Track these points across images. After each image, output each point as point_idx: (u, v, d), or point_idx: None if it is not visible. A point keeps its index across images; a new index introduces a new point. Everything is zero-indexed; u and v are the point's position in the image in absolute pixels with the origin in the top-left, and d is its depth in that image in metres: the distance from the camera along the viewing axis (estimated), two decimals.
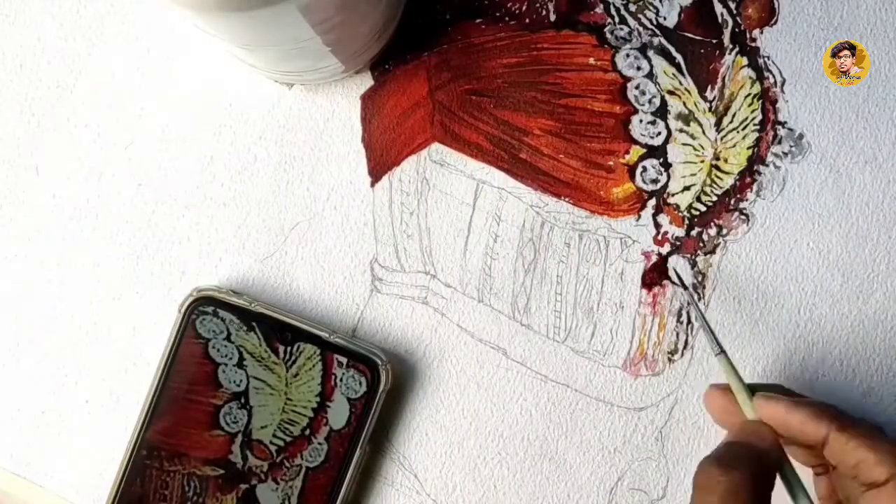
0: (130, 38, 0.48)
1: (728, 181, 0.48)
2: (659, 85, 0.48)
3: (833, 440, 0.38)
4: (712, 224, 0.48)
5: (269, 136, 0.48)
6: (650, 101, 0.48)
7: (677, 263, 0.48)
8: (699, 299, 0.48)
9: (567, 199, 0.48)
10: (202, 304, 0.46)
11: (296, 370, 0.46)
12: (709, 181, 0.48)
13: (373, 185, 0.48)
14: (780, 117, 0.48)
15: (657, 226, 0.48)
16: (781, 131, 0.48)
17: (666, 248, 0.48)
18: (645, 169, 0.48)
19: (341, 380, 0.46)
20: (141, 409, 0.46)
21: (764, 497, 0.37)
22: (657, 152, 0.48)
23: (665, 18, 0.48)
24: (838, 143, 0.48)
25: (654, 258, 0.48)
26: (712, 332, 0.43)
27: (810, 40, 0.48)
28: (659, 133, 0.48)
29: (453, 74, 0.48)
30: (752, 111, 0.48)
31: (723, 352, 0.42)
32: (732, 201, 0.48)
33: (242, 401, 0.46)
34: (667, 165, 0.48)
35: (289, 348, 0.46)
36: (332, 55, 0.43)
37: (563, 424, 0.48)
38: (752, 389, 0.41)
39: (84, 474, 0.48)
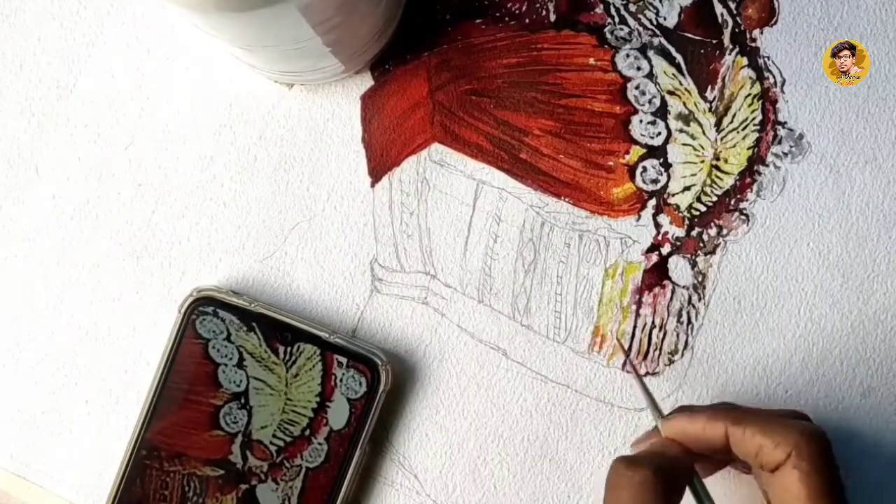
0: (130, 38, 0.48)
1: (728, 181, 0.48)
2: (659, 85, 0.48)
3: (732, 435, 0.39)
4: (712, 224, 0.48)
5: (269, 136, 0.48)
6: (650, 102, 0.48)
7: (677, 264, 0.48)
8: (700, 300, 0.48)
9: (567, 200, 0.48)
10: (202, 305, 0.46)
11: (296, 370, 0.46)
12: (709, 181, 0.48)
13: (373, 185, 0.48)
14: (781, 117, 0.48)
15: (657, 226, 0.48)
16: (781, 131, 0.48)
17: (666, 249, 0.48)
18: (645, 169, 0.48)
19: (341, 380, 0.46)
20: (141, 409, 0.46)
21: (672, 499, 0.38)
22: (657, 152, 0.48)
23: (665, 19, 0.48)
24: (838, 144, 0.48)
25: (654, 259, 0.48)
26: (650, 396, 0.44)
27: (810, 40, 0.48)
28: (659, 133, 0.48)
29: (453, 75, 0.48)
30: (753, 111, 0.48)
31: (652, 400, 0.43)
32: (732, 201, 0.48)
33: (242, 401, 0.46)
34: (667, 165, 0.48)
35: (289, 348, 0.46)
36: (332, 55, 0.43)
37: (564, 425, 0.48)
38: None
39: (84, 474, 0.48)
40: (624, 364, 0.47)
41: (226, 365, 0.46)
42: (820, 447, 0.37)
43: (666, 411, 0.43)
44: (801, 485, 0.37)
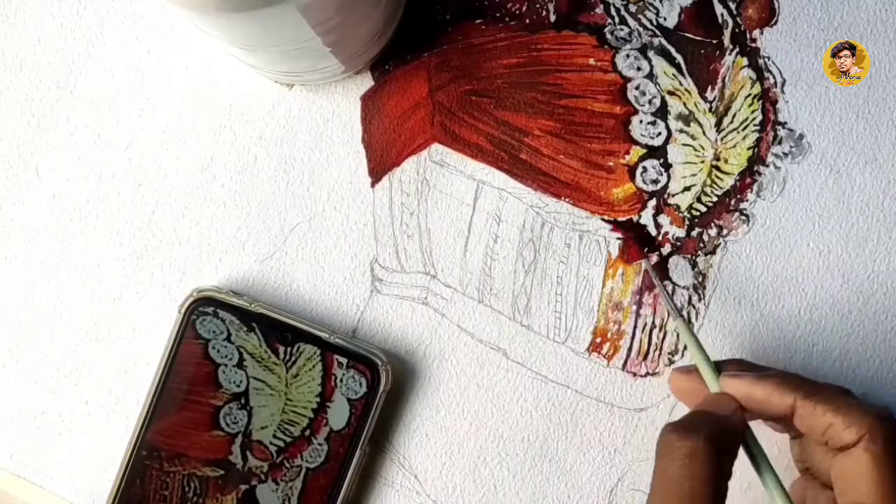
0: (130, 39, 0.48)
1: (728, 182, 0.48)
2: (659, 85, 0.48)
3: (800, 408, 0.38)
4: (713, 224, 0.48)
5: (269, 136, 0.48)
6: (650, 102, 0.48)
7: (677, 264, 0.48)
8: (700, 300, 0.48)
9: (567, 200, 0.48)
10: (202, 305, 0.46)
11: (296, 371, 0.46)
12: (709, 182, 0.48)
13: (373, 185, 0.48)
14: (781, 118, 0.48)
15: (657, 226, 0.48)
16: (782, 132, 0.48)
17: (667, 249, 0.48)
18: (645, 169, 0.48)
19: (341, 380, 0.46)
20: (141, 409, 0.46)
21: (724, 462, 0.37)
22: (657, 153, 0.48)
23: (665, 19, 0.48)
24: (838, 144, 0.48)
25: (654, 259, 0.48)
26: (671, 298, 0.42)
27: (810, 40, 0.48)
28: (659, 133, 0.48)
29: (453, 75, 0.48)
30: (753, 111, 0.48)
31: (681, 316, 0.41)
32: (733, 202, 0.48)
33: (242, 401, 0.46)
34: (667, 166, 0.48)
35: (289, 349, 0.46)
36: (332, 56, 0.43)
37: (564, 425, 0.48)
38: (717, 366, 0.42)
39: (84, 474, 0.48)
40: (622, 366, 0.47)
41: (226, 365, 0.46)
42: (893, 430, 0.37)
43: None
44: (874, 466, 0.36)
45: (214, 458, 0.46)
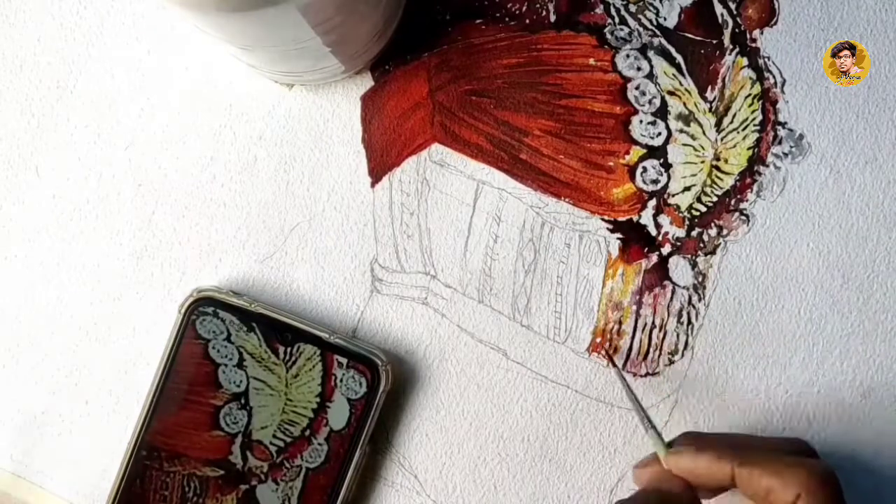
0: (130, 39, 0.48)
1: (728, 182, 0.48)
2: (659, 85, 0.48)
3: (738, 475, 0.39)
4: (713, 224, 0.48)
5: (269, 136, 0.48)
6: (650, 102, 0.48)
7: (677, 265, 0.48)
8: (700, 300, 0.48)
9: (567, 200, 0.48)
10: (202, 305, 0.46)
11: (296, 371, 0.46)
12: (709, 182, 0.48)
13: (373, 185, 0.48)
14: (781, 118, 0.48)
15: (657, 226, 0.48)
16: (782, 132, 0.48)
17: (667, 249, 0.48)
18: (645, 169, 0.48)
19: (341, 380, 0.46)
20: (141, 409, 0.46)
21: None
22: (657, 153, 0.48)
23: (665, 19, 0.48)
24: (838, 144, 0.48)
25: (654, 259, 0.48)
26: (643, 411, 0.43)
27: (810, 40, 0.48)
28: (659, 133, 0.48)
29: (453, 75, 0.48)
30: (753, 112, 0.48)
31: (653, 427, 0.42)
32: (733, 202, 0.48)
33: (242, 401, 0.46)
34: (667, 166, 0.48)
35: (289, 349, 0.46)
36: (332, 56, 0.43)
37: (564, 425, 0.48)
38: (669, 445, 0.42)
39: (84, 474, 0.48)
40: (621, 366, 0.48)
41: (226, 365, 0.46)
42: (830, 489, 0.37)
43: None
44: None
45: (214, 458, 0.46)
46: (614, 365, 0.47)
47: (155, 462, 0.46)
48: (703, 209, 0.48)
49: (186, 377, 0.46)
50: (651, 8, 0.48)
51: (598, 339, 0.48)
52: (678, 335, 0.48)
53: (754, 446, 0.41)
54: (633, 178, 0.48)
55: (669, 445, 0.41)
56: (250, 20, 0.35)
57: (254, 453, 0.46)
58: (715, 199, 0.48)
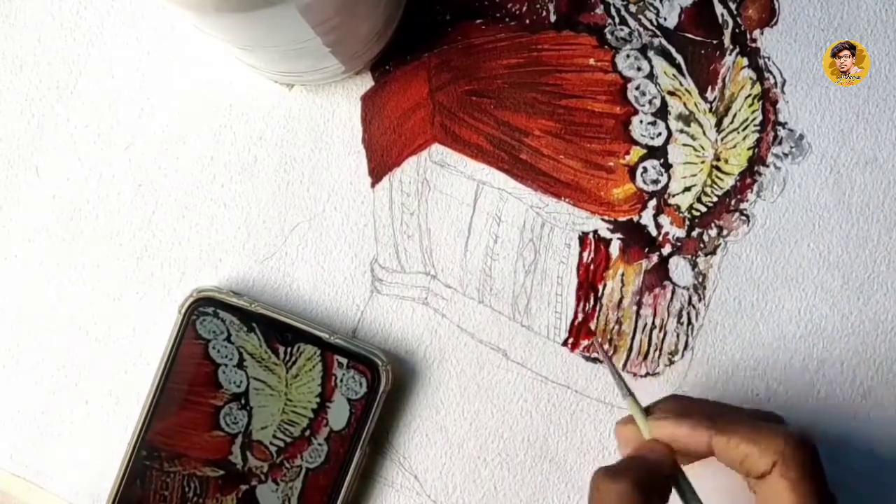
0: (130, 39, 0.48)
1: (728, 182, 0.48)
2: (659, 86, 0.48)
3: (716, 444, 0.39)
4: (713, 225, 0.48)
5: (269, 136, 0.48)
6: (650, 102, 0.48)
7: (678, 265, 0.48)
8: (700, 300, 0.48)
9: (567, 200, 0.48)
10: (202, 305, 0.46)
11: (296, 371, 0.46)
12: (709, 182, 0.48)
13: (373, 185, 0.48)
14: (781, 118, 0.48)
15: (658, 227, 0.48)
16: (782, 132, 0.48)
17: (667, 249, 0.48)
18: (645, 170, 0.48)
19: (341, 380, 0.46)
20: (141, 409, 0.46)
21: (654, 500, 0.38)
22: (657, 153, 0.48)
23: (665, 19, 0.48)
24: (839, 144, 0.48)
25: (654, 259, 0.48)
26: (619, 376, 0.43)
27: (810, 40, 0.48)
28: (659, 134, 0.48)
29: (453, 75, 0.48)
30: (753, 112, 0.48)
31: (631, 394, 0.42)
32: (733, 202, 0.48)
33: (242, 401, 0.46)
34: (667, 166, 0.48)
35: (289, 349, 0.46)
36: (332, 56, 0.43)
37: (564, 425, 0.48)
38: (648, 410, 0.42)
39: (84, 474, 0.48)
40: (621, 367, 0.48)
41: (226, 365, 0.46)
42: (806, 454, 0.37)
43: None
44: (790, 493, 0.37)
45: (214, 458, 0.46)
46: (591, 333, 0.47)
47: (155, 462, 0.46)
48: (704, 209, 0.48)
49: (186, 377, 0.46)
50: (651, 8, 0.48)
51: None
52: (678, 335, 0.48)
53: (730, 415, 0.41)
54: (633, 178, 0.48)
55: (647, 410, 0.41)
56: (250, 20, 0.35)
57: (254, 453, 0.46)
58: (715, 199, 0.48)
